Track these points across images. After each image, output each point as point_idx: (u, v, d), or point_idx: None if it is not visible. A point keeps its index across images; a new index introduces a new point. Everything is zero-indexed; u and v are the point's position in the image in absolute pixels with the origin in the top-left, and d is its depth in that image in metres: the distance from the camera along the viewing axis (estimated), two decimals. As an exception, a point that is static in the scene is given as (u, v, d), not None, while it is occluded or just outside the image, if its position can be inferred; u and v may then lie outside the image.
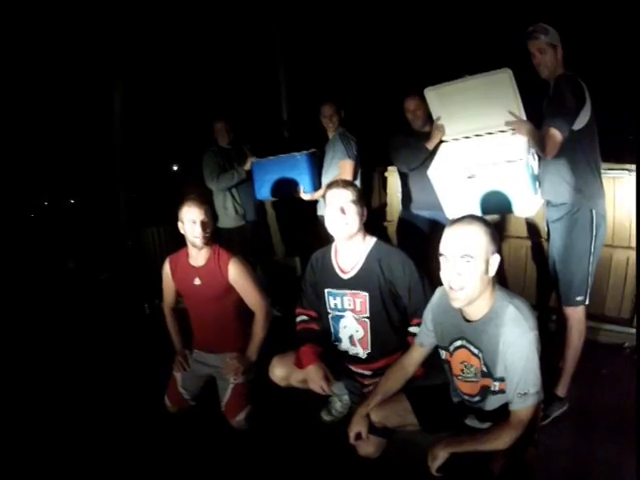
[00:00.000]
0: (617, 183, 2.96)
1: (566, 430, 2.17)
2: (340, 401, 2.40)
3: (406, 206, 3.25)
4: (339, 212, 2.02)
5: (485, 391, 1.64)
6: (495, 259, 1.53)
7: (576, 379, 2.38)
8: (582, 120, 2.15)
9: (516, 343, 1.49)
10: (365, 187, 3.27)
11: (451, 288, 1.54)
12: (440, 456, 1.56)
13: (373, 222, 2.33)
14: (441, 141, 2.68)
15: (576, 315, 2.30)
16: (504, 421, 1.55)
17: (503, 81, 2.23)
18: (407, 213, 3.24)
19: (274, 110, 4.69)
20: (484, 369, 1.61)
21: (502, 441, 1.51)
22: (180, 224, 2.39)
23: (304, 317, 2.30)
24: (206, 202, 2.43)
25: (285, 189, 3.28)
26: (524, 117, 2.27)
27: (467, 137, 2.53)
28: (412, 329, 2.07)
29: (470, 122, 2.48)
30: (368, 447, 1.93)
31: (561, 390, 2.32)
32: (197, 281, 2.41)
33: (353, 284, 2.11)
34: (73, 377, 2.97)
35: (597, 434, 2.13)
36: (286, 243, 4.42)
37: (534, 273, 3.38)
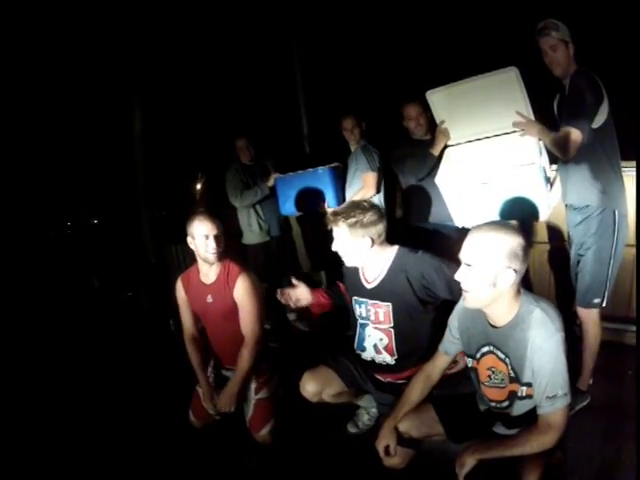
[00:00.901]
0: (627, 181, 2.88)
1: (591, 432, 2.17)
2: (367, 414, 2.40)
3: (411, 219, 3.13)
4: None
5: (513, 396, 1.61)
6: (508, 274, 1.47)
7: (601, 381, 2.45)
8: (601, 117, 2.08)
9: (543, 346, 1.47)
10: (389, 197, 3.23)
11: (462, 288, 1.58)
12: (468, 463, 1.52)
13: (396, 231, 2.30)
14: (446, 146, 2.61)
15: (590, 317, 2.28)
16: (533, 426, 1.51)
17: (509, 80, 2.15)
18: (412, 226, 3.13)
19: (295, 125, 4.72)
20: (512, 374, 1.59)
21: (530, 446, 1.47)
22: (190, 239, 2.28)
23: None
24: (217, 216, 2.32)
25: (309, 204, 3.30)
26: (532, 117, 2.20)
27: (473, 141, 2.44)
28: None
29: (476, 125, 2.39)
30: (394, 458, 1.89)
31: (582, 384, 2.36)
32: (209, 298, 2.32)
33: (375, 294, 2.10)
34: (100, 393, 3.01)
35: (622, 436, 2.11)
36: (311, 258, 4.41)
37: (557, 278, 3.34)
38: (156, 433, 2.52)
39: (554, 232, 3.30)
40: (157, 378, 3.12)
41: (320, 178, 3.24)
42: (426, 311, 2.05)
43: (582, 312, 2.29)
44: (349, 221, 1.95)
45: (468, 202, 2.34)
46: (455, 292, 1.89)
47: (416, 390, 1.89)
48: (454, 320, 1.81)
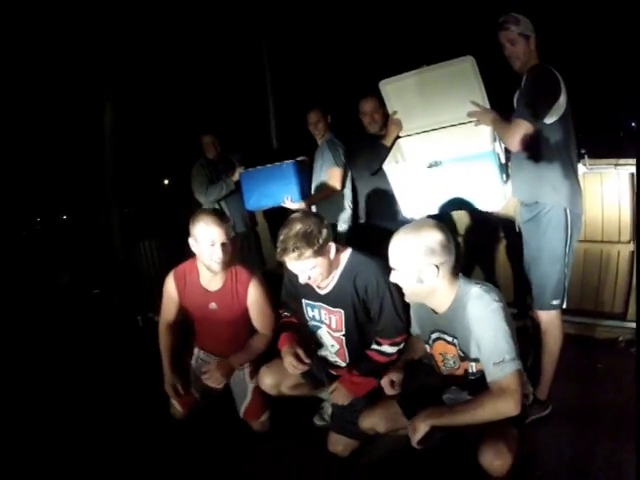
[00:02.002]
0: (604, 179, 2.96)
1: (563, 427, 2.15)
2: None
3: (361, 217, 3.13)
4: (303, 278, 1.91)
5: (466, 374, 1.67)
6: (430, 270, 1.55)
7: (572, 375, 2.39)
8: (557, 112, 2.03)
9: (482, 315, 1.52)
10: (356, 193, 3.24)
11: None
12: (420, 429, 1.51)
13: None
14: (398, 137, 2.54)
15: (551, 320, 2.18)
16: (485, 391, 1.51)
17: (465, 70, 2.12)
18: (361, 224, 3.15)
19: (263, 121, 4.71)
20: (461, 354, 1.65)
21: (483, 410, 1.46)
22: (192, 241, 2.06)
23: (287, 313, 2.25)
24: (227, 219, 2.11)
25: (274, 198, 3.24)
26: (488, 106, 2.18)
27: (427, 132, 2.39)
28: (375, 346, 2.01)
29: (430, 115, 2.34)
30: (338, 445, 2.04)
31: (541, 393, 2.24)
32: (213, 305, 2.19)
33: (328, 301, 2.05)
34: (71, 389, 2.94)
35: (595, 431, 2.11)
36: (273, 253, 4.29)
37: (510, 275, 3.31)
38: (136, 427, 2.46)
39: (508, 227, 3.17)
40: (126, 374, 3.07)
41: (284, 172, 3.17)
42: (373, 320, 2.02)
43: (542, 315, 2.19)
44: (307, 251, 1.81)
45: (416, 191, 2.26)
46: (383, 319, 1.97)
47: (417, 341, 1.95)
48: (411, 309, 1.92)
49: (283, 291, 2.25)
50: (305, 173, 3.29)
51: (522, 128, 1.97)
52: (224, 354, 2.26)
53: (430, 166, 2.13)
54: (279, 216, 3.85)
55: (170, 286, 2.25)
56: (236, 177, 3.49)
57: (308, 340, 2.20)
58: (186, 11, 5.00)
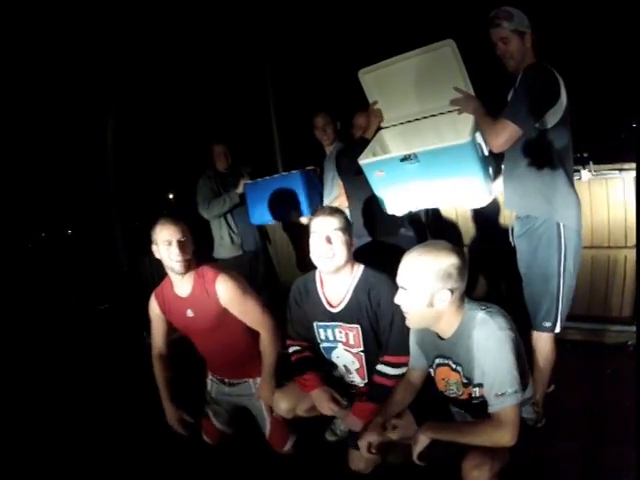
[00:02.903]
0: (609, 184, 2.97)
1: (571, 431, 2.13)
2: None
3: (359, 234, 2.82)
4: (325, 242, 1.90)
5: (470, 399, 1.63)
6: (443, 294, 1.51)
7: (581, 381, 2.38)
8: (555, 116, 1.86)
9: (486, 345, 1.48)
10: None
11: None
12: (421, 441, 1.51)
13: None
14: (380, 129, 2.40)
15: (543, 342, 2.05)
16: (488, 419, 1.50)
17: (446, 55, 1.96)
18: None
19: (265, 131, 4.69)
20: (464, 380, 1.61)
21: (482, 438, 1.46)
22: (155, 248, 2.08)
23: (296, 347, 2.17)
24: (182, 220, 2.12)
25: (281, 211, 3.10)
26: (472, 92, 2.01)
27: (409, 122, 2.26)
28: (380, 367, 1.98)
29: (412, 105, 2.20)
30: (360, 462, 1.94)
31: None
32: (189, 313, 2.14)
33: (343, 317, 2.02)
34: (79, 408, 2.93)
35: (602, 435, 2.09)
36: (294, 270, 4.16)
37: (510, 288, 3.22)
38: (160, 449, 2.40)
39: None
40: (133, 391, 3.03)
41: (292, 182, 3.01)
42: (383, 334, 2.00)
43: (534, 334, 2.06)
44: (344, 219, 1.95)
45: (395, 186, 2.12)
46: (393, 336, 1.95)
47: (400, 392, 1.89)
48: (411, 334, 1.85)
49: (288, 318, 2.19)
50: (314, 184, 3.13)
51: (508, 131, 1.81)
52: (227, 367, 2.27)
53: (404, 159, 1.96)
54: (300, 232, 3.66)
55: (153, 305, 2.24)
56: (240, 189, 3.30)
57: (322, 364, 2.18)
58: (190, 22, 5.01)
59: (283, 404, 2.13)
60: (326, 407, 2.00)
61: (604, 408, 2.29)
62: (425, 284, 1.51)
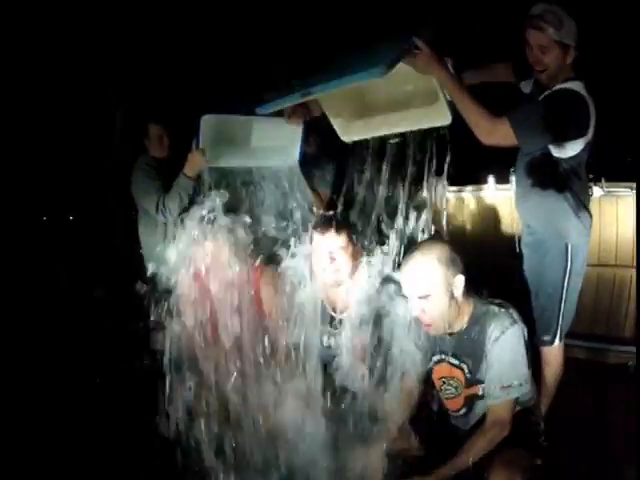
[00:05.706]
0: (620, 202, 2.96)
1: (571, 453, 2.07)
2: None
3: None
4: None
5: (471, 400, 1.60)
6: (458, 280, 1.51)
7: (582, 400, 2.38)
8: (577, 146, 1.74)
9: (502, 337, 1.48)
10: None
11: (422, 324, 1.57)
12: None
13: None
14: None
15: (549, 354, 2.01)
16: (477, 429, 1.53)
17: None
18: None
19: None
20: (468, 376, 1.59)
21: (484, 445, 1.47)
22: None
23: None
24: None
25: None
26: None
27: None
28: None
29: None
30: None
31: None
32: None
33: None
34: (75, 401, 2.81)
35: (603, 456, 2.07)
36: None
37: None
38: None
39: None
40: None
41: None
42: None
43: (540, 346, 2.02)
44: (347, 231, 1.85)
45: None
46: None
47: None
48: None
49: None
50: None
51: (503, 130, 1.57)
52: None
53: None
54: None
55: None
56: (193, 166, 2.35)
57: None
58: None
59: None
60: None
61: (604, 427, 2.27)
62: (442, 278, 1.49)
